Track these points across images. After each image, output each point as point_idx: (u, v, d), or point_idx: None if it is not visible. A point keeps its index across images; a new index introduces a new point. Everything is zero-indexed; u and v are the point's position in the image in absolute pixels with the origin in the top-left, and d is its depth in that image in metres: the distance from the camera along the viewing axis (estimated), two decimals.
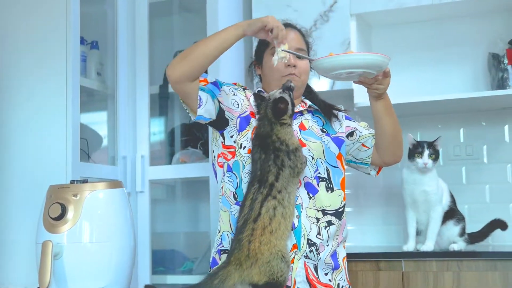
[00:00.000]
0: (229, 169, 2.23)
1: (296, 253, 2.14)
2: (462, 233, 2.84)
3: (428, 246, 2.78)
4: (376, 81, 2.17)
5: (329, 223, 2.21)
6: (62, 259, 1.89)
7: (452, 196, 2.92)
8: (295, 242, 2.15)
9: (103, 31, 3.12)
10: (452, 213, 2.86)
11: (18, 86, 2.67)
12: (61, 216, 1.91)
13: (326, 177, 2.25)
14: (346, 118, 2.44)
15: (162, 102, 3.29)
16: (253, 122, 2.23)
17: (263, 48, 2.38)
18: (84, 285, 1.91)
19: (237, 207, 2.14)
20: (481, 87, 3.25)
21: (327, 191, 2.24)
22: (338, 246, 2.26)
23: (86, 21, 2.79)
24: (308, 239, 2.16)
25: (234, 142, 2.24)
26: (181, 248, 3.31)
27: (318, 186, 2.22)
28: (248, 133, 2.23)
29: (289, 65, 2.27)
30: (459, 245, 2.80)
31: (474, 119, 3.29)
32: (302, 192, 2.19)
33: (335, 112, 2.41)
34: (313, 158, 2.24)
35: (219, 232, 2.23)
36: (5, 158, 2.65)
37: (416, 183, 2.86)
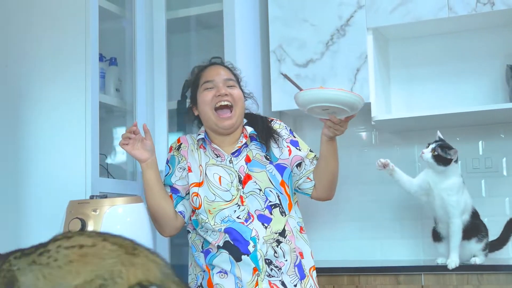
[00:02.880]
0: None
1: (258, 275, 2.24)
2: (485, 248, 2.81)
3: (454, 261, 2.72)
4: (340, 122, 2.23)
5: (278, 241, 2.29)
6: None
7: (474, 213, 2.86)
8: (254, 266, 2.24)
9: (122, 47, 3.14)
10: (475, 230, 2.82)
11: (37, 103, 2.70)
12: (81, 231, 1.92)
13: (278, 203, 2.34)
14: (292, 143, 2.45)
15: (180, 117, 3.30)
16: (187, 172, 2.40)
17: (195, 89, 2.47)
18: None
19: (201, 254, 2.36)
20: (500, 99, 3.23)
21: (282, 215, 2.33)
22: (302, 258, 2.34)
23: (104, 38, 2.82)
24: (265, 259, 2.26)
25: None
26: None
27: (272, 214, 2.32)
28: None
29: (219, 95, 2.36)
30: (480, 259, 2.77)
31: (493, 132, 3.28)
32: (256, 225, 2.28)
33: (275, 136, 2.44)
34: (260, 190, 2.33)
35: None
36: (25, 174, 2.68)
37: (437, 182, 2.82)
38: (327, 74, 3.18)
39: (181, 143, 2.48)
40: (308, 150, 2.46)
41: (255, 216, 2.29)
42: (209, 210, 2.31)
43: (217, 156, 2.39)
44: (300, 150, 2.44)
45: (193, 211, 2.37)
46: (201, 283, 2.35)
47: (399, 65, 3.46)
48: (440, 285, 2.71)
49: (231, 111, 2.36)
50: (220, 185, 2.33)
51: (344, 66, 3.18)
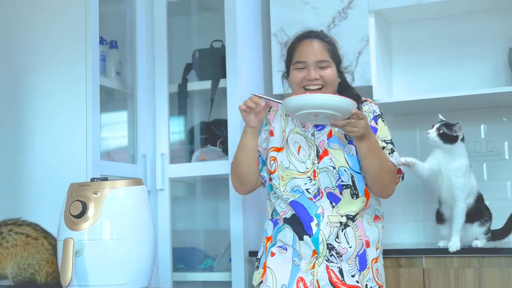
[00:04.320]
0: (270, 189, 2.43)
1: (317, 258, 2.25)
2: (487, 231, 2.81)
3: (456, 244, 2.71)
4: (348, 123, 2.16)
5: (345, 225, 2.28)
6: (83, 256, 1.90)
7: (479, 197, 2.85)
8: (314, 248, 2.25)
9: (122, 30, 3.13)
10: (478, 214, 2.80)
11: (38, 86, 2.70)
12: (82, 213, 1.92)
13: (351, 184, 2.31)
14: (374, 119, 2.40)
15: (181, 100, 3.30)
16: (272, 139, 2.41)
17: (288, 64, 2.43)
18: (105, 282, 1.92)
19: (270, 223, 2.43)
20: (502, 83, 3.22)
21: (352, 197, 2.31)
22: (367, 247, 2.30)
23: (105, 21, 2.81)
24: (327, 244, 2.25)
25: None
26: (201, 246, 3.32)
27: (342, 194, 2.30)
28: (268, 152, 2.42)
29: (308, 79, 2.32)
30: (482, 242, 2.77)
31: (495, 115, 3.27)
32: (324, 202, 2.28)
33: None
34: (334, 168, 2.30)
35: None
36: (26, 157, 2.68)
37: (444, 162, 2.80)
38: None
39: (271, 106, 2.46)
40: (383, 140, 2.37)
41: (325, 194, 2.30)
42: (282, 177, 2.33)
43: (303, 126, 2.38)
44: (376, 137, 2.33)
45: (270, 178, 2.40)
46: (261, 256, 2.44)
47: (401, 48, 3.44)
48: (441, 268, 2.71)
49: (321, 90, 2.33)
50: (298, 154, 2.34)
51: (345, 49, 3.12)
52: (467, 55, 3.32)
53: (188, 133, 3.38)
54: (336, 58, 2.39)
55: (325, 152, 2.32)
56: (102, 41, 2.94)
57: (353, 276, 2.26)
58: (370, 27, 3.14)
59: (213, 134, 3.26)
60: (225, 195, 3.00)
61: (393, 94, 3.39)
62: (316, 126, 2.36)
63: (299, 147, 2.35)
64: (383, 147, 2.34)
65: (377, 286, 2.31)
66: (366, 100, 2.42)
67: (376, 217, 2.39)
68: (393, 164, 2.34)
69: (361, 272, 2.27)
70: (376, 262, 2.33)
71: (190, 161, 3.23)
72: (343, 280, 2.25)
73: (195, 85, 3.26)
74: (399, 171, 2.39)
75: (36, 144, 2.67)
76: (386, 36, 3.38)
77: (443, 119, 2.86)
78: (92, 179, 2.02)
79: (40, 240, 2.06)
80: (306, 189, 2.30)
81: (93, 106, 2.62)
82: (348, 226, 2.29)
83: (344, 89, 2.43)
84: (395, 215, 3.37)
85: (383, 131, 2.38)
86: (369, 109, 2.39)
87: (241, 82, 3.03)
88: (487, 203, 2.90)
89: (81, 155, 2.59)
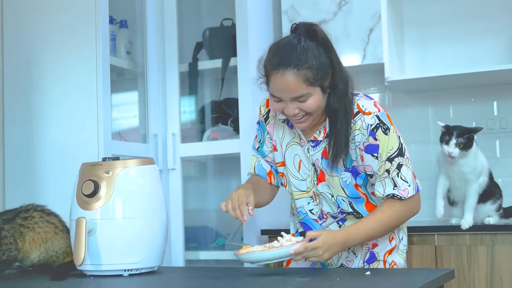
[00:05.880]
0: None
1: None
2: (499, 208, 2.80)
3: (468, 221, 2.68)
4: (304, 259, 1.93)
5: None
6: (95, 235, 1.91)
7: (490, 174, 2.82)
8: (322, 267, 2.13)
9: (132, 9, 3.12)
10: (490, 193, 2.78)
11: (49, 67, 2.70)
12: (94, 193, 1.92)
13: (352, 210, 2.11)
14: (368, 149, 2.01)
15: (191, 80, 3.29)
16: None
17: (266, 79, 2.05)
18: (118, 260, 1.92)
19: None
20: None
21: (357, 218, 2.12)
22: (374, 248, 2.14)
23: (114, 0, 2.80)
24: (337, 264, 2.15)
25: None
26: (213, 225, 3.33)
27: (346, 217, 2.13)
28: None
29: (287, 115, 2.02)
30: (494, 219, 2.76)
31: (508, 92, 3.24)
32: (331, 225, 2.13)
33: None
34: (332, 196, 2.10)
35: None
36: (38, 138, 2.69)
37: (452, 163, 2.73)
38: (340, 34, 3.14)
39: (269, 110, 2.19)
40: (387, 159, 1.99)
41: (329, 216, 2.14)
42: (290, 193, 2.20)
43: (300, 139, 2.12)
44: (377, 157, 2.00)
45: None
46: None
47: (413, 25, 3.41)
48: (453, 245, 2.71)
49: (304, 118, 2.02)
50: (299, 171, 2.13)
51: (357, 26, 3.13)
52: (479, 31, 3.28)
53: (199, 112, 3.38)
54: (320, 77, 1.95)
55: (322, 175, 2.09)
56: (111, 20, 2.93)
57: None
58: (382, 4, 3.11)
59: (224, 113, 3.25)
60: (237, 174, 3.00)
61: (405, 71, 3.36)
62: (311, 141, 2.09)
63: (300, 162, 2.12)
64: (387, 170, 1.99)
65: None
66: (359, 112, 2.01)
67: None
68: (400, 197, 2.01)
69: (370, 264, 2.13)
70: (390, 254, 2.15)
71: (201, 140, 3.23)
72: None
73: (206, 64, 3.25)
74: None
75: (48, 125, 2.68)
76: (398, 13, 3.34)
77: (443, 125, 2.75)
78: (104, 159, 2.02)
79: (64, 233, 2.12)
80: (310, 210, 2.15)
81: (104, 86, 2.62)
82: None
83: (338, 100, 2.01)
84: None
85: (385, 146, 2.00)
86: (361, 125, 2.00)
87: (252, 61, 3.01)
88: (499, 180, 2.89)
89: (93, 135, 2.60)
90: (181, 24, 3.20)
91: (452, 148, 2.66)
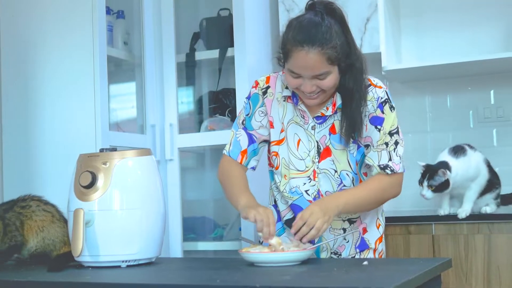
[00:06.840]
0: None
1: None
2: (496, 197, 2.81)
3: (466, 211, 2.69)
4: (307, 239, 1.91)
5: (344, 230, 2.14)
6: (93, 226, 1.91)
7: (490, 170, 2.83)
8: (316, 257, 2.12)
9: (129, 0, 3.11)
10: (491, 184, 2.79)
11: (45, 57, 2.69)
12: (92, 184, 1.92)
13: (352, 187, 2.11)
14: (373, 120, 2.07)
15: (189, 70, 3.29)
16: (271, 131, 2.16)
17: (284, 58, 2.05)
18: (116, 251, 1.93)
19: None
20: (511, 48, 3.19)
21: None
22: (364, 233, 2.16)
23: None
24: (331, 252, 2.14)
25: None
26: (211, 215, 3.33)
27: None
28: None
29: (304, 91, 2.01)
30: (491, 207, 2.77)
31: (504, 81, 3.24)
32: None
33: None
34: (336, 171, 2.09)
35: None
36: (36, 129, 2.68)
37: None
38: None
39: (268, 86, 2.16)
40: (388, 133, 2.06)
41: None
42: (285, 175, 2.12)
43: (302, 117, 2.11)
44: (379, 130, 2.06)
45: (269, 163, 2.19)
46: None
47: (409, 14, 3.40)
48: (451, 234, 2.72)
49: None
50: (297, 150, 2.10)
51: (353, 15, 3.11)
52: (476, 20, 3.28)
53: (197, 102, 3.38)
54: (341, 57, 1.97)
55: (327, 152, 2.08)
56: (108, 11, 2.92)
57: (353, 257, 2.15)
58: None
59: (221, 104, 3.25)
60: None
61: (402, 60, 3.36)
62: (317, 118, 2.09)
63: (299, 141, 2.10)
64: (386, 143, 2.06)
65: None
66: (370, 85, 2.08)
67: None
68: (393, 170, 2.08)
69: (362, 252, 2.15)
70: (380, 242, 2.18)
71: (199, 131, 3.23)
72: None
73: (203, 55, 3.24)
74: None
75: (45, 115, 2.68)
76: (394, 2, 3.34)
77: (422, 165, 2.75)
78: (101, 150, 2.02)
79: (62, 222, 2.14)
80: (305, 191, 2.10)
81: (101, 77, 2.62)
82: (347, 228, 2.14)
83: (354, 79, 2.04)
84: (404, 181, 3.37)
85: (390, 121, 2.07)
86: (373, 96, 2.06)
87: (249, 51, 3.02)
88: (496, 169, 2.90)
89: (90, 126, 2.60)
90: (178, 15, 3.19)
91: (424, 190, 2.70)
